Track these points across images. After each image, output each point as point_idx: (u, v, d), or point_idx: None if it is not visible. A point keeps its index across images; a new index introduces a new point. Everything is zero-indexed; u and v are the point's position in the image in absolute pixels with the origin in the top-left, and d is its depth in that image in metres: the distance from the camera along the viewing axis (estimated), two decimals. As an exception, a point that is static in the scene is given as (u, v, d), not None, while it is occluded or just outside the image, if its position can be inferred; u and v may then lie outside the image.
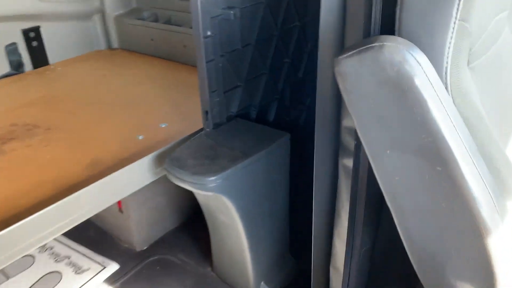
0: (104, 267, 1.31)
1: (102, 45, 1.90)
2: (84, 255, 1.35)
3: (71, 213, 0.93)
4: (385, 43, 0.51)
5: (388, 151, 0.57)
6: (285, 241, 1.24)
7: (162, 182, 1.12)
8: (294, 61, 1.34)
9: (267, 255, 1.19)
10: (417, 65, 0.50)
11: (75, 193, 0.94)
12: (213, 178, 0.92)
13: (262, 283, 1.20)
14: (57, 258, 1.34)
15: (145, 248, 1.39)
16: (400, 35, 0.55)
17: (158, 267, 1.32)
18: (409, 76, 0.50)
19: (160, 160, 1.10)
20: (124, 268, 1.32)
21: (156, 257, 1.35)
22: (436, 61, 0.53)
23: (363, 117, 0.58)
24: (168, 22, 1.75)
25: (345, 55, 0.54)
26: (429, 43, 0.52)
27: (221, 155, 0.99)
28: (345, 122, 0.82)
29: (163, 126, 1.28)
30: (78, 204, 0.95)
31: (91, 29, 1.86)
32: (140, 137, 1.22)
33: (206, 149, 1.02)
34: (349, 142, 0.83)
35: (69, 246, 1.38)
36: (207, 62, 1.04)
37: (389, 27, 0.59)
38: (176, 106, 1.43)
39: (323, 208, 0.92)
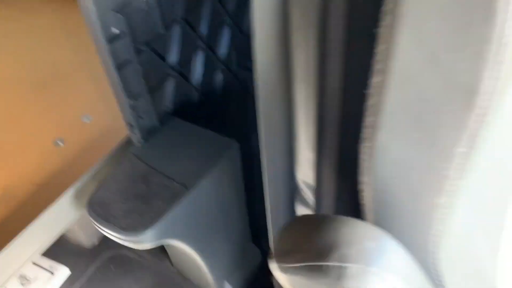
0: (52, 273, 1.19)
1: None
2: (28, 260, 1.22)
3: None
4: (343, 265, 0.30)
5: None
6: (246, 236, 1.13)
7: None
8: (235, 18, 1.06)
9: (226, 258, 1.08)
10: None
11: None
12: (149, 233, 0.75)
13: (225, 282, 1.11)
14: (-2, 268, 1.20)
15: (96, 243, 1.27)
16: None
17: (112, 266, 1.21)
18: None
19: (85, 191, 0.91)
20: (75, 271, 1.21)
21: (109, 254, 1.23)
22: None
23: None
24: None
25: (287, 260, 0.34)
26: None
27: (157, 192, 0.80)
28: (302, 175, 0.64)
29: (86, 121, 1.05)
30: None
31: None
32: (60, 143, 1.00)
33: (137, 181, 0.82)
34: (309, 197, 0.66)
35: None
36: (118, 68, 0.79)
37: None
38: (104, 80, 1.16)
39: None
